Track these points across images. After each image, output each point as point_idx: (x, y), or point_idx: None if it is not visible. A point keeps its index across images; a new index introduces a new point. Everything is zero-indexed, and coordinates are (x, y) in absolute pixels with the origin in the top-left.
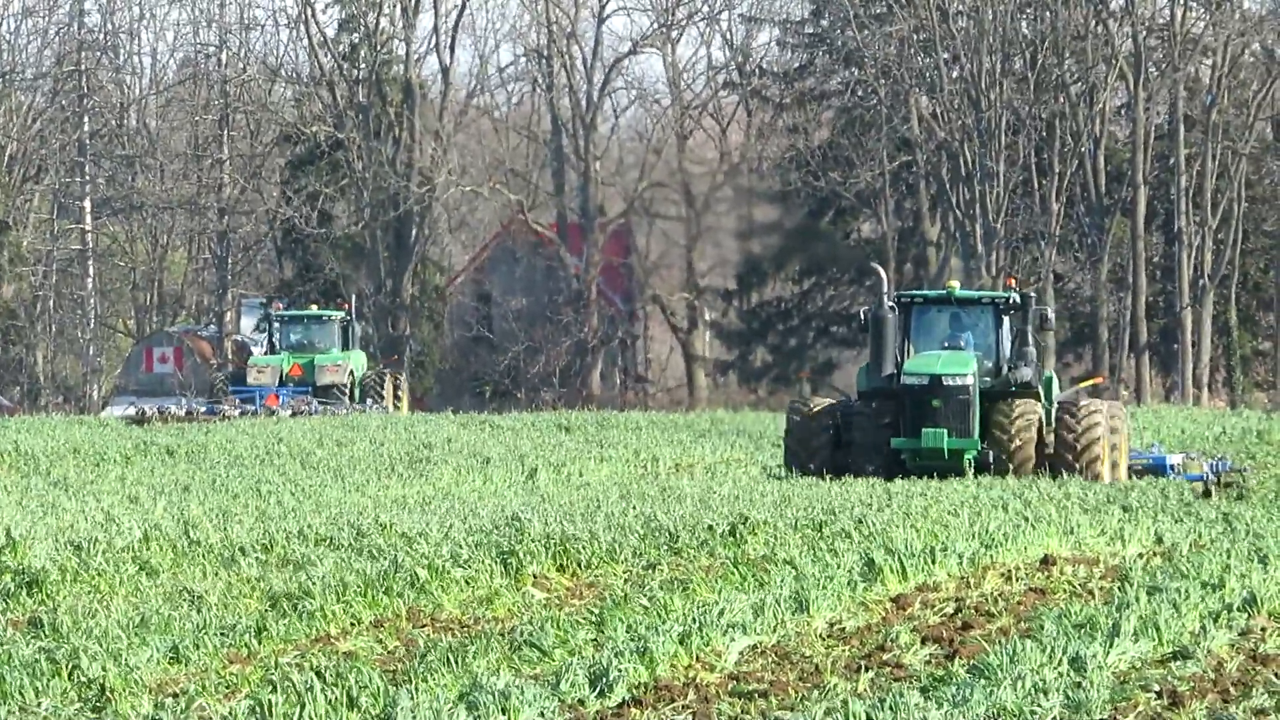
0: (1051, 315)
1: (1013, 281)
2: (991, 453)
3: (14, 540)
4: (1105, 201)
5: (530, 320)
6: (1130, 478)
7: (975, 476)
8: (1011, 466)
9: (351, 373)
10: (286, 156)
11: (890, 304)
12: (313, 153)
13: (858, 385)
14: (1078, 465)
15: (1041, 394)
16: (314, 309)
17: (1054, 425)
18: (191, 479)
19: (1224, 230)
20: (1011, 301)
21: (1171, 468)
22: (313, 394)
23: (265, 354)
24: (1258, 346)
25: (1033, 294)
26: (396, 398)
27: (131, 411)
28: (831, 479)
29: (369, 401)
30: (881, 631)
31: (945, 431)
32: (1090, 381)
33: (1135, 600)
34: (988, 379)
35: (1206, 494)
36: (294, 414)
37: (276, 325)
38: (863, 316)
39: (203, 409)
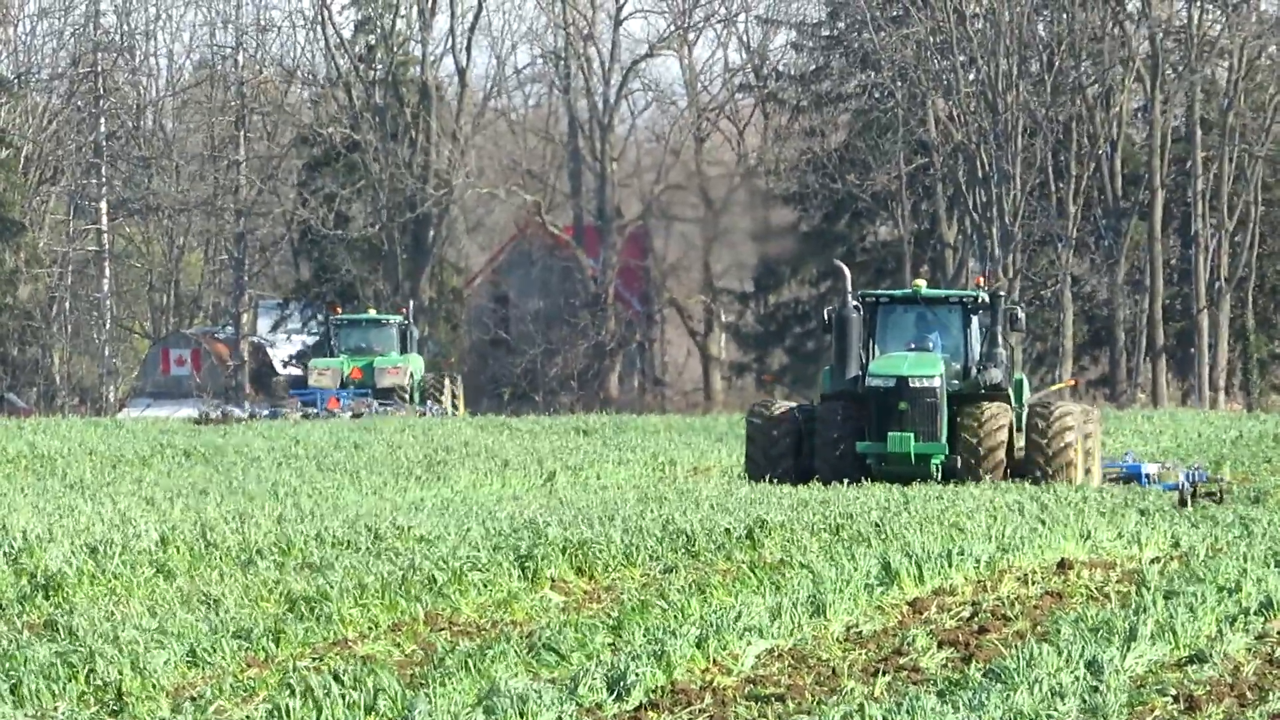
0: (1022, 315)
1: (981, 280)
2: (960, 457)
3: (30, 543)
4: (1122, 204)
5: (547, 322)
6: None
7: (943, 482)
8: (981, 472)
9: (411, 375)
10: (303, 158)
11: (855, 304)
12: (329, 154)
13: (821, 388)
14: (1049, 470)
15: (1012, 396)
16: (372, 313)
17: (1025, 429)
18: (209, 481)
19: (1241, 233)
20: (980, 300)
21: (1147, 477)
22: (373, 396)
23: (324, 357)
24: (1275, 350)
25: (1002, 293)
26: (454, 400)
27: (194, 413)
28: (797, 484)
29: (428, 403)
30: (898, 635)
31: (912, 435)
32: (1063, 384)
33: (1152, 604)
34: (956, 381)
35: (1182, 504)
36: (354, 415)
37: (335, 329)
38: (826, 316)
39: (265, 412)
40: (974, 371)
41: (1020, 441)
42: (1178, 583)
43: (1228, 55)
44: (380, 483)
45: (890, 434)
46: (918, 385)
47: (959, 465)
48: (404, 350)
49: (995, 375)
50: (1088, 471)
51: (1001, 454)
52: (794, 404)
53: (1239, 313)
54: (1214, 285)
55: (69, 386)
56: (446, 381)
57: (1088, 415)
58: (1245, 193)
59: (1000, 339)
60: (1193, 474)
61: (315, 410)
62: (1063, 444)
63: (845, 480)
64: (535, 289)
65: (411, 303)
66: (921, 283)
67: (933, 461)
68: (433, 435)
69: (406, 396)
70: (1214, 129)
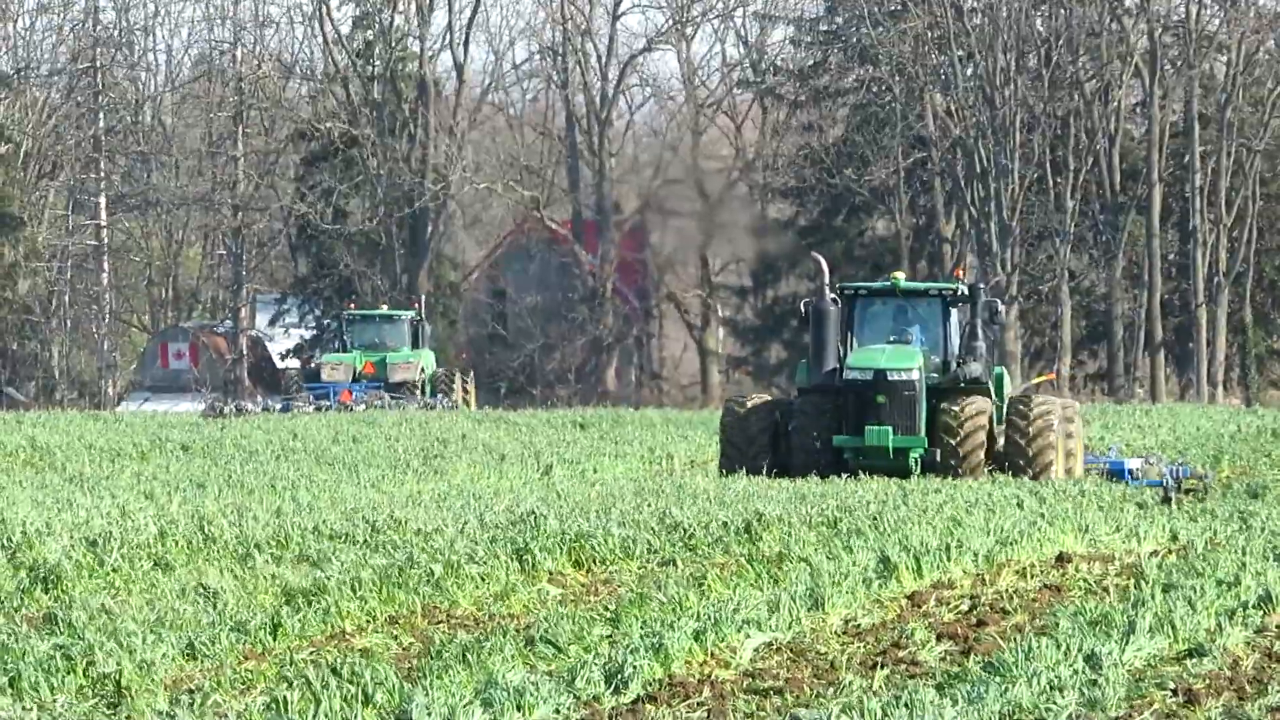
0: (1002, 308)
1: (961, 272)
2: (939, 451)
3: (29, 536)
4: (1120, 199)
5: (545, 317)
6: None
7: (921, 476)
8: (960, 466)
9: (422, 370)
10: (301, 153)
11: (832, 296)
12: (327, 149)
13: (798, 381)
14: (1029, 464)
15: (992, 390)
16: (385, 309)
17: (1005, 422)
18: (207, 475)
19: (1239, 228)
20: (959, 293)
21: (1130, 473)
22: (384, 390)
23: (337, 352)
24: (1272, 345)
25: (982, 285)
26: (465, 395)
27: (198, 407)
28: (776, 477)
29: (439, 397)
30: (897, 628)
31: (890, 429)
32: (1044, 377)
33: (1151, 598)
34: (935, 374)
35: (1166, 500)
36: (367, 408)
37: (349, 324)
38: (803, 309)
39: (278, 406)
40: (953, 365)
41: (1000, 435)
42: (1176, 576)
43: (1226, 50)
44: (378, 476)
45: (868, 427)
46: (896, 378)
47: (938, 459)
48: (416, 345)
49: (975, 368)
50: (1069, 466)
51: (981, 448)
52: (770, 397)
53: (1237, 308)
54: (1212, 280)
55: (68, 380)
56: (458, 376)
57: (1067, 409)
58: (1243, 188)
59: (979, 332)
60: (1176, 469)
61: (328, 404)
62: (1043, 438)
63: (821, 474)
64: (533, 284)
65: (423, 298)
66: (900, 275)
67: (911, 455)
68: (430, 429)
69: (418, 391)
70: (1212, 124)
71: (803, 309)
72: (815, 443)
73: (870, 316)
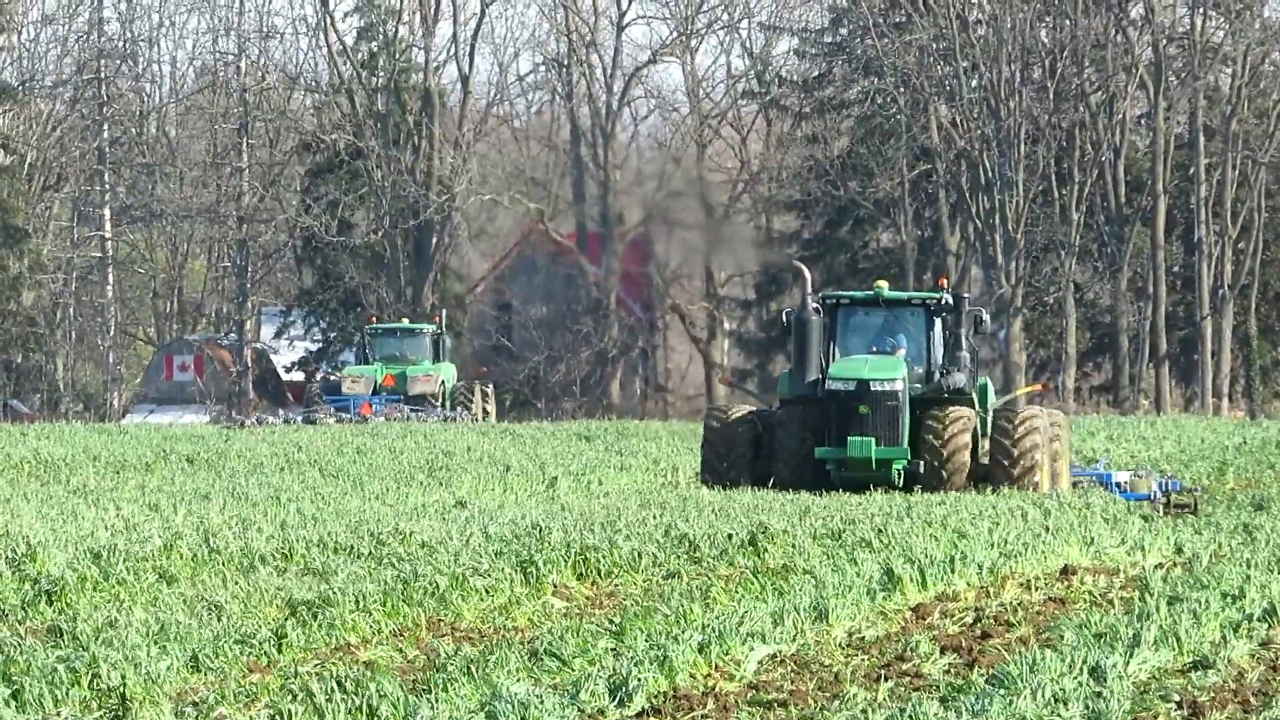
0: (987, 317)
1: (945, 281)
2: (923, 463)
3: (34, 548)
4: (1125, 211)
5: (550, 329)
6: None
7: (905, 489)
8: (943, 477)
9: (443, 383)
10: (306, 165)
11: (815, 305)
12: (332, 161)
13: (780, 392)
14: (1014, 476)
15: (976, 401)
16: (406, 322)
17: (990, 434)
18: (212, 487)
19: (1244, 240)
20: (944, 302)
21: (1117, 485)
22: (404, 403)
23: (357, 365)
24: (1277, 356)
25: (967, 294)
26: (485, 407)
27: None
28: (757, 488)
29: (459, 410)
30: (901, 641)
31: (873, 440)
32: (1030, 388)
33: (1155, 610)
34: (919, 385)
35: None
36: (386, 419)
37: (371, 338)
38: (785, 319)
39: (299, 418)
40: (937, 375)
41: (985, 447)
42: (1181, 589)
43: (1231, 62)
44: (383, 488)
45: (850, 438)
46: (879, 389)
47: (921, 471)
48: (437, 359)
49: (959, 379)
50: (1055, 477)
51: (965, 459)
52: (753, 407)
53: (1242, 320)
54: (1217, 292)
55: (73, 393)
56: (477, 388)
57: (1054, 420)
58: (1248, 199)
59: (964, 342)
60: (1166, 483)
61: (349, 416)
62: (1028, 449)
63: (804, 486)
64: (538, 296)
65: (444, 312)
66: (884, 284)
67: (894, 467)
68: (436, 441)
69: (437, 403)
70: (1217, 135)
71: (784, 319)
72: (797, 454)
73: (853, 326)
